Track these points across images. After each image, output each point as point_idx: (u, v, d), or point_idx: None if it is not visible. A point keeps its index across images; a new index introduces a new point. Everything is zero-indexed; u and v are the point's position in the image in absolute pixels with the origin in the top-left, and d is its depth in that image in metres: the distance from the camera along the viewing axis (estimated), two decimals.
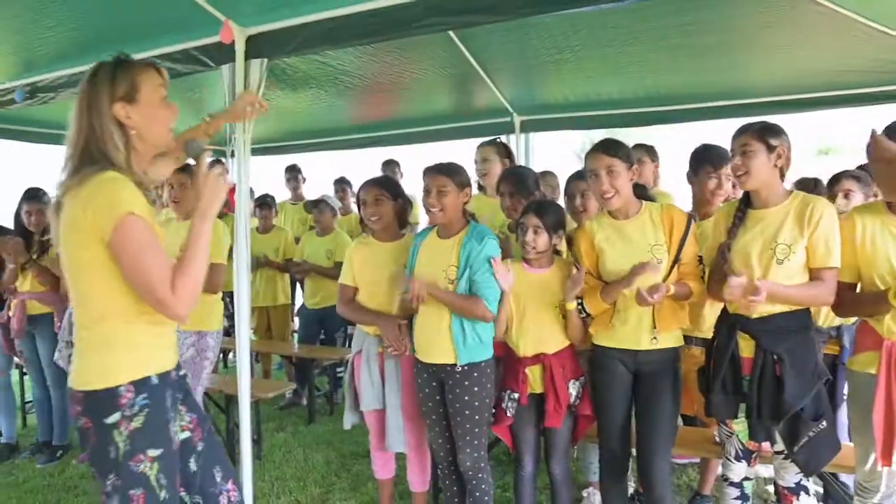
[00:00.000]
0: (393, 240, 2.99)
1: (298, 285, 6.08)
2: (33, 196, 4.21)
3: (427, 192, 2.72)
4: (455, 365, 2.65)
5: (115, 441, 1.71)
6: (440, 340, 2.68)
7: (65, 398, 4.35)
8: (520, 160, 5.26)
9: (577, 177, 3.03)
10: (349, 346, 5.41)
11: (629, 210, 2.57)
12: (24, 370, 4.78)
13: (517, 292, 2.70)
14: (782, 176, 2.35)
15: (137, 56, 3.37)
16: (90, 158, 1.72)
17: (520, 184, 3.09)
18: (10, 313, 4.21)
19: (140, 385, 1.73)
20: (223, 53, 3.00)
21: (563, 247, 2.87)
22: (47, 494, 3.74)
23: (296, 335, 5.83)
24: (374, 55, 4.53)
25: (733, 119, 4.79)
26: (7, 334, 4.28)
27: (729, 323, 2.38)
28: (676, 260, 2.50)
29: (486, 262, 2.62)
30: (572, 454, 2.98)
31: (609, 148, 2.52)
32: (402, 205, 3.00)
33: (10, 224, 4.32)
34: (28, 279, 4.18)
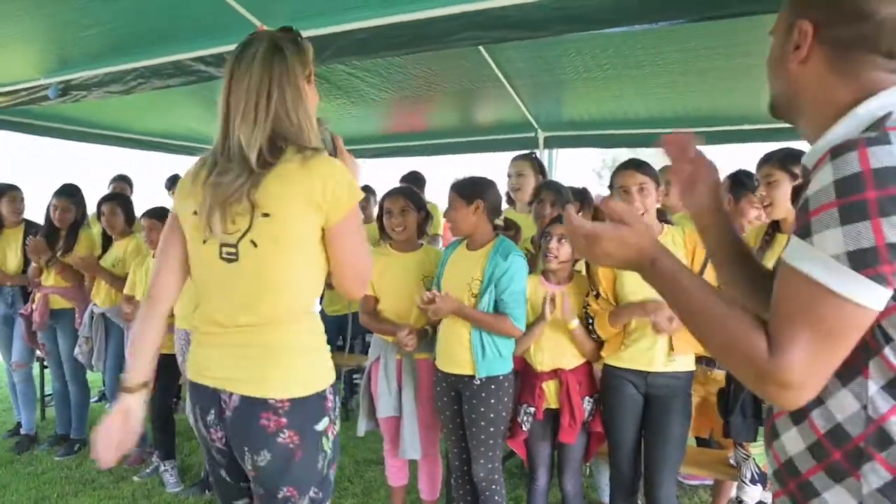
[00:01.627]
0: (411, 250, 3.01)
1: None
2: (63, 192, 4.28)
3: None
4: (473, 377, 2.66)
5: (323, 449, 1.60)
6: (460, 352, 2.69)
7: (83, 392, 4.41)
8: None
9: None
10: (366, 353, 5.41)
11: (653, 231, 2.56)
12: (45, 363, 4.83)
13: (536, 308, 2.71)
14: None
15: (172, 58, 3.50)
16: (286, 136, 1.56)
17: (560, 194, 3.15)
18: (34, 306, 4.28)
19: (333, 386, 1.64)
20: None
21: (579, 266, 2.87)
22: (65, 486, 3.77)
23: None
24: (401, 67, 4.58)
25: (763, 143, 4.79)
26: (30, 327, 4.35)
27: None
28: None
29: (512, 280, 2.62)
30: (585, 471, 2.97)
31: (641, 166, 2.53)
32: (424, 216, 3.02)
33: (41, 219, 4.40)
34: (52, 274, 4.25)
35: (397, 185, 5.95)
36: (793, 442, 0.99)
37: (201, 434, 1.65)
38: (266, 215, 1.50)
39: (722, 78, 4.25)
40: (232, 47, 3.19)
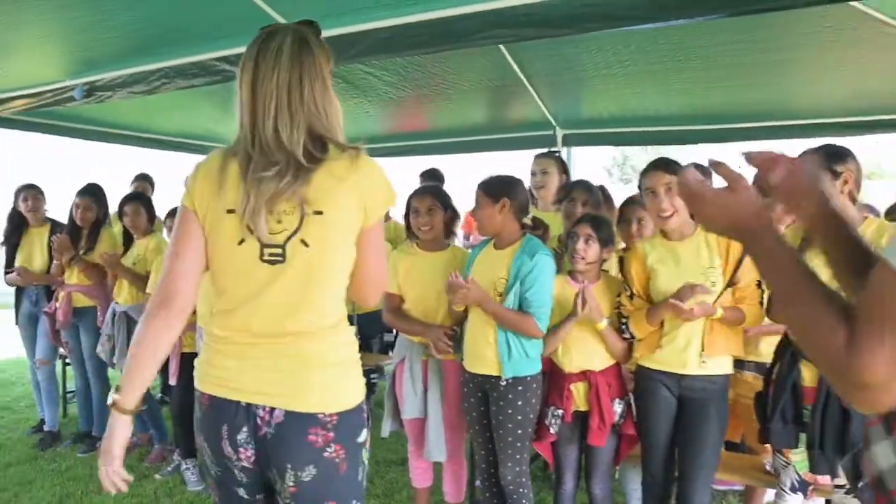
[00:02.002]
0: (438, 250, 2.99)
1: None
2: (85, 191, 4.31)
3: None
4: (499, 378, 2.64)
5: (363, 461, 1.56)
6: (486, 351, 2.67)
7: (104, 390, 4.43)
8: None
9: (634, 202, 3.02)
10: (385, 352, 5.39)
11: (684, 231, 2.53)
12: (67, 361, 4.87)
13: (563, 307, 2.67)
14: (853, 200, 2.26)
15: (196, 58, 3.50)
16: (319, 131, 1.51)
17: (592, 194, 3.13)
18: (57, 304, 4.31)
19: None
20: None
21: (607, 266, 2.84)
22: (89, 484, 3.79)
23: None
24: (420, 66, 4.56)
25: (789, 140, 4.73)
26: (54, 325, 4.38)
27: (792, 350, 2.31)
28: (730, 283, 2.45)
29: (537, 280, 2.60)
30: (613, 475, 2.94)
31: (668, 165, 2.49)
32: (452, 215, 3.00)
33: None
34: (75, 272, 4.28)
35: (415, 183, 5.96)
36: (884, 454, 0.94)
37: (222, 454, 1.52)
38: (318, 213, 1.45)
39: (746, 74, 4.19)
40: None
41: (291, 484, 1.49)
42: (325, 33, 2.95)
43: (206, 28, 3.27)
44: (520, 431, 2.65)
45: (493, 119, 5.77)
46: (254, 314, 1.49)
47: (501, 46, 4.20)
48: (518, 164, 5.23)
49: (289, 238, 1.46)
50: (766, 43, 3.72)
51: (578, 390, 2.67)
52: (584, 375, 2.65)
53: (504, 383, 2.63)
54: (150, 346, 1.51)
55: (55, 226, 4.50)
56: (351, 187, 1.47)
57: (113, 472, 1.50)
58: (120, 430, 1.50)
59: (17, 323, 4.67)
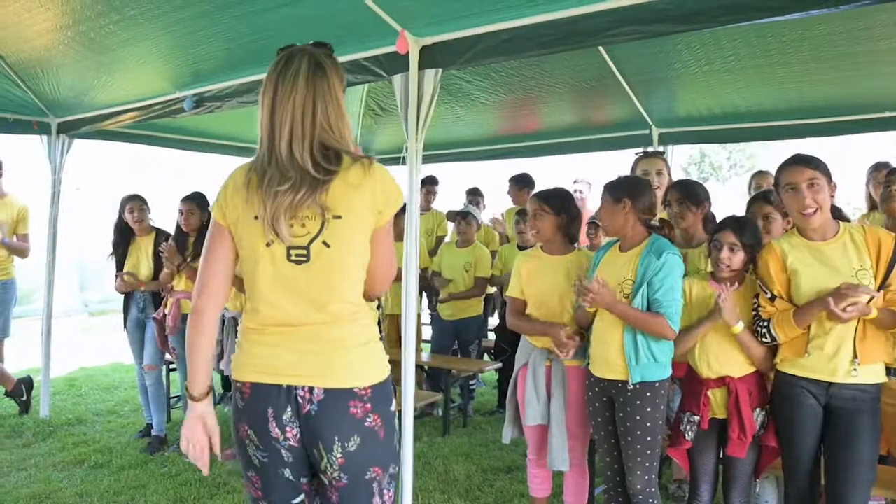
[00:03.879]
0: (561, 253, 2.94)
1: (424, 294, 6.09)
2: (188, 197, 4.40)
3: None
4: (626, 382, 2.56)
5: (396, 428, 1.75)
6: (612, 355, 2.60)
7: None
8: None
9: (761, 198, 2.88)
10: (481, 357, 5.35)
11: (826, 230, 2.37)
12: (172, 366, 5.00)
13: (701, 309, 2.58)
14: None
15: None
16: (332, 145, 1.67)
17: (689, 191, 3.01)
18: (167, 311, 4.43)
19: None
20: (396, 63, 3.05)
21: None
22: (200, 489, 3.86)
23: (425, 345, 5.83)
24: (514, 69, 4.53)
25: None
26: (162, 331, 4.50)
27: None
28: (882, 286, 2.30)
29: (666, 279, 2.51)
30: (753, 488, 2.80)
31: (810, 161, 2.34)
32: (567, 219, 2.92)
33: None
34: (183, 279, 4.38)
35: (505, 186, 5.92)
36: None
37: (270, 436, 1.68)
38: (338, 217, 1.64)
39: (862, 63, 4.00)
40: (370, 53, 3.23)
41: (339, 455, 1.65)
42: (440, 37, 3.00)
43: (321, 37, 3.29)
44: (649, 439, 2.57)
45: (588, 119, 5.69)
46: (284, 307, 1.67)
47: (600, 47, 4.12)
48: (615, 163, 5.14)
49: (312, 240, 1.65)
50: (880, 29, 3.53)
51: (716, 397, 2.56)
52: (723, 381, 2.54)
53: (631, 389, 2.55)
54: (202, 346, 1.72)
55: (160, 234, 4.62)
56: (365, 193, 1.66)
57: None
58: (192, 413, 1.72)
59: (125, 328, 4.82)
